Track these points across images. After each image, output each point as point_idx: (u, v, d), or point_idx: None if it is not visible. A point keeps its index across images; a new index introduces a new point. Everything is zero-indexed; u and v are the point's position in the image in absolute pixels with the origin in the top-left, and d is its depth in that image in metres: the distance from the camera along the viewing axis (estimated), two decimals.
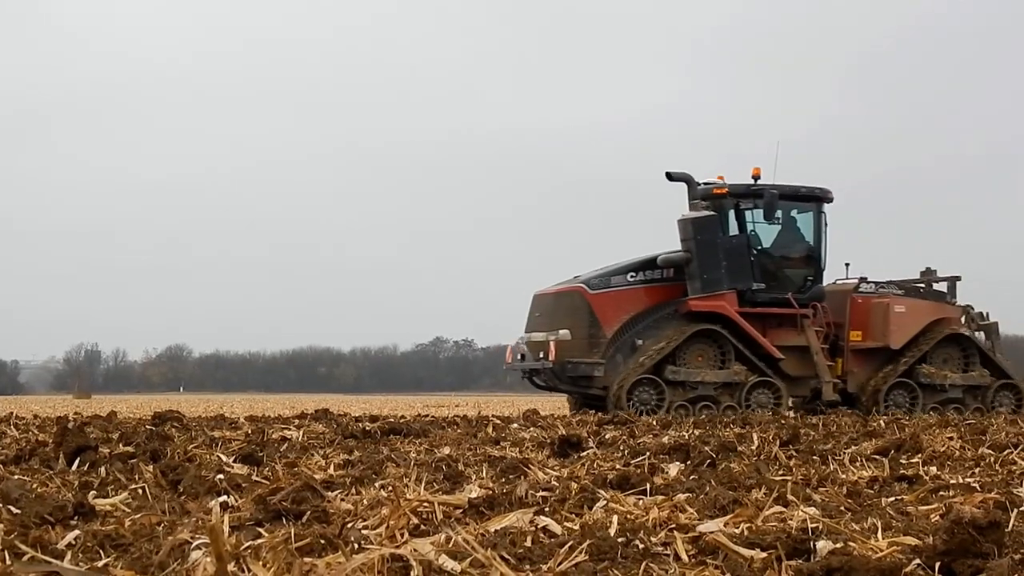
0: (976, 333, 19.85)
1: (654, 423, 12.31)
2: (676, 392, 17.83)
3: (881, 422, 12.26)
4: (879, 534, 3.72)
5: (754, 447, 7.90)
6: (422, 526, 4.05)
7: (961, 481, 5.67)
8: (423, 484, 5.29)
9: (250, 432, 10.07)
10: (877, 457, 7.14)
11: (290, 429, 10.67)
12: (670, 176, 18.74)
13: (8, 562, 3.28)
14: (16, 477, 5.76)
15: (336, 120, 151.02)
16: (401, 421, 12.04)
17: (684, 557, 3.47)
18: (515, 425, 11.88)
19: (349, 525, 3.96)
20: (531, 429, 11.07)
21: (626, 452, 7.61)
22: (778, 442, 8.25)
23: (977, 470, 6.50)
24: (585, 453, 7.50)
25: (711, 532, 3.66)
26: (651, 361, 17.78)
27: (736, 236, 18.46)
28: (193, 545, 3.39)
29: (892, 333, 18.73)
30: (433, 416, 15.67)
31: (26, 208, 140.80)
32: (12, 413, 14.88)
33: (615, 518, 4.08)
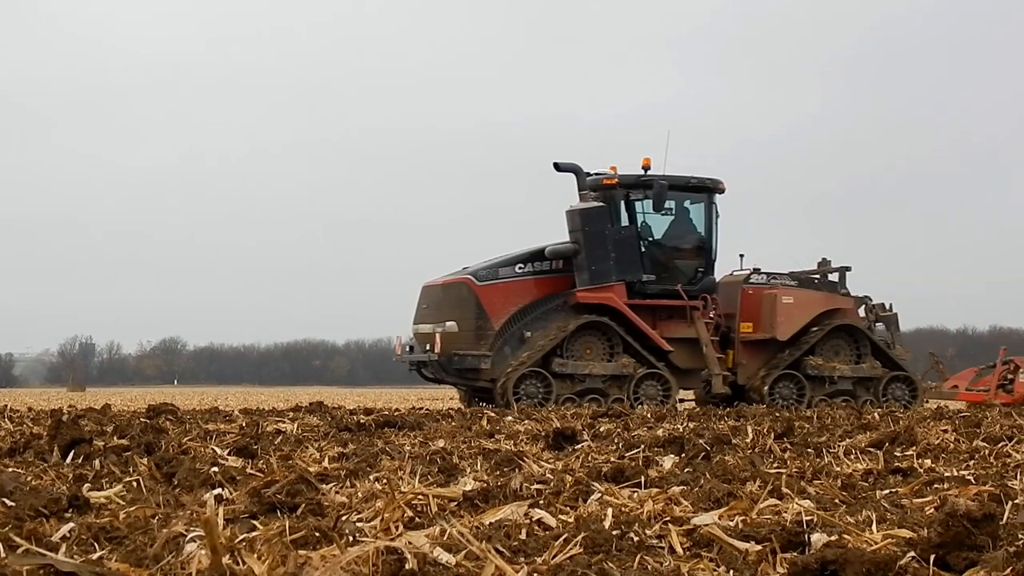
0: (877, 324, 19.59)
1: (648, 416, 12.31)
2: (564, 385, 17.63)
3: (876, 415, 12.26)
4: (874, 527, 3.73)
5: (748, 440, 7.90)
6: (417, 519, 4.05)
7: (955, 474, 5.69)
8: (418, 477, 5.30)
9: (244, 425, 10.07)
10: (871, 450, 7.15)
11: (284, 422, 10.66)
12: (558, 167, 18.44)
13: (3, 555, 3.27)
14: (11, 470, 5.75)
15: (327, 110, 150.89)
16: (395, 414, 12.04)
17: (679, 550, 3.48)
18: (510, 418, 11.88)
19: (344, 518, 3.96)
20: (526, 422, 11.08)
21: (620, 445, 7.62)
22: (772, 435, 8.25)
23: (971, 462, 6.51)
24: (580, 446, 7.50)
25: (705, 525, 3.67)
26: (538, 354, 17.57)
27: (625, 227, 18.21)
28: (188, 538, 3.38)
29: (779, 324, 18.45)
30: (427, 409, 15.67)
31: (19, 200, 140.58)
32: (6, 406, 14.84)
33: (609, 511, 4.09)
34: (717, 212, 18.76)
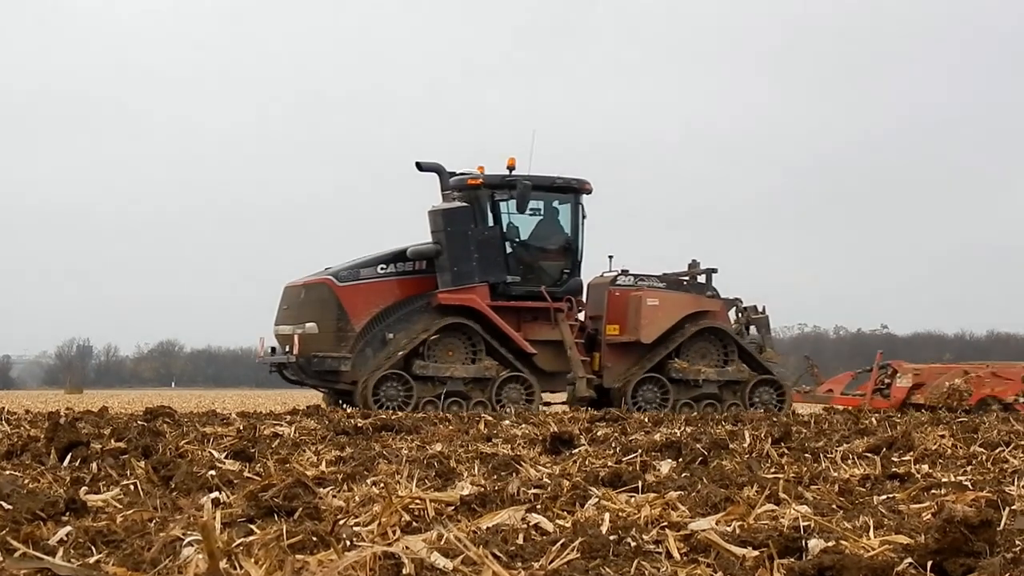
0: (750, 327, 19.44)
1: (646, 420, 12.31)
2: (425, 387, 17.42)
3: (873, 420, 12.26)
4: (871, 532, 3.73)
5: (746, 445, 7.90)
6: (414, 523, 4.05)
7: (953, 479, 5.69)
8: (415, 481, 5.29)
9: (242, 428, 10.06)
10: (869, 455, 7.15)
11: (282, 425, 10.66)
12: (419, 166, 18.26)
13: (0, 558, 3.27)
14: (7, 473, 5.75)
15: (332, 118, 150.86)
16: (393, 417, 12.04)
17: (676, 555, 3.48)
18: (507, 422, 11.88)
19: (341, 522, 3.96)
20: (523, 426, 11.07)
21: (618, 449, 7.62)
22: (770, 440, 8.25)
23: (969, 468, 6.51)
24: (577, 450, 7.50)
25: (703, 530, 3.67)
26: (398, 356, 17.38)
27: (489, 228, 18.00)
28: (185, 541, 3.39)
29: (643, 327, 18.20)
30: (425, 412, 15.68)
31: (17, 202, 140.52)
32: (3, 408, 14.81)
33: (607, 516, 4.09)
34: (584, 213, 18.57)
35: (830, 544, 3.41)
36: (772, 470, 6.19)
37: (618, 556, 3.40)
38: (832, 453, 7.28)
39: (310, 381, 18.32)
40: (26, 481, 5.42)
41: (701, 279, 19.35)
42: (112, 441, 7.82)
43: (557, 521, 4.04)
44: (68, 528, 3.78)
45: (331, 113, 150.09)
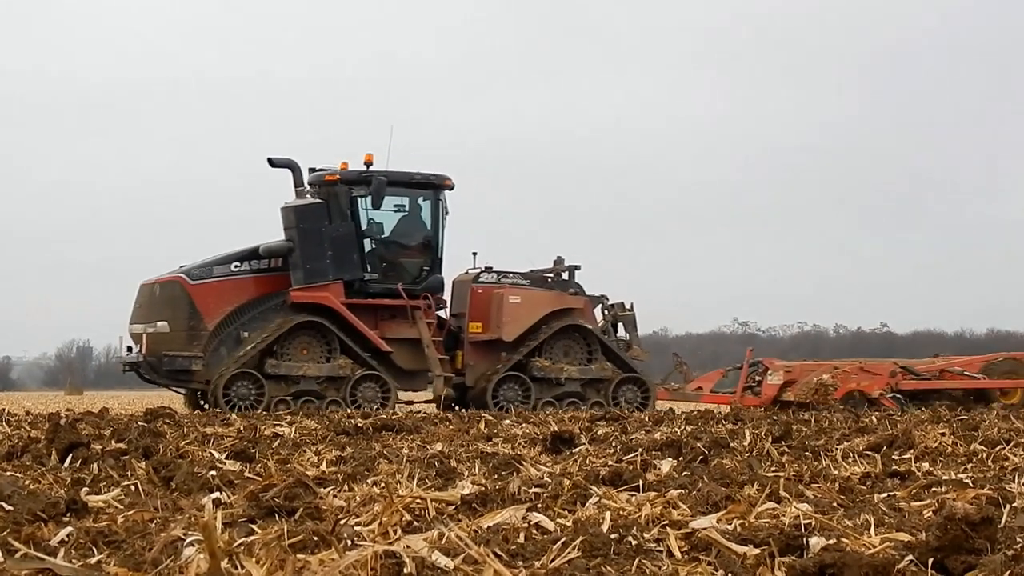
0: (618, 324, 19.21)
1: (646, 419, 12.31)
2: (278, 387, 17.17)
3: (873, 418, 12.26)
4: (872, 530, 3.73)
5: (746, 443, 7.90)
6: (415, 523, 4.05)
7: (953, 477, 5.69)
8: (416, 481, 5.30)
9: (242, 428, 10.07)
10: (869, 453, 7.15)
11: (282, 425, 10.67)
12: (272, 162, 18.00)
13: (1, 559, 3.27)
14: (8, 474, 5.75)
15: (339, 118, 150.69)
16: (393, 417, 12.04)
17: (677, 553, 3.48)
18: (508, 421, 11.89)
19: (342, 522, 3.96)
20: (524, 425, 11.08)
21: (618, 448, 7.62)
22: (770, 438, 8.25)
23: (969, 466, 6.52)
24: (577, 449, 7.50)
25: (704, 528, 3.67)
26: (250, 355, 17.11)
27: (344, 224, 17.76)
28: (186, 542, 3.39)
29: (505, 324, 18.00)
30: (425, 412, 15.67)
31: (16, 204, 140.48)
32: (4, 409, 14.83)
33: (608, 514, 4.09)
34: (446, 209, 18.35)
35: (831, 542, 3.41)
36: (773, 468, 6.19)
37: (619, 555, 3.40)
38: (832, 451, 7.29)
39: (162, 381, 17.94)
40: (27, 482, 5.42)
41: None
42: (113, 442, 7.83)
43: (558, 520, 4.04)
44: (69, 529, 3.78)
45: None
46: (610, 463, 6.40)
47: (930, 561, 3.15)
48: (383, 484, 5.10)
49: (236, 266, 17.64)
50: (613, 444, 8.12)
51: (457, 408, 17.05)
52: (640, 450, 7.12)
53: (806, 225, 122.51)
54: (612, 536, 3.56)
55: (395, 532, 3.81)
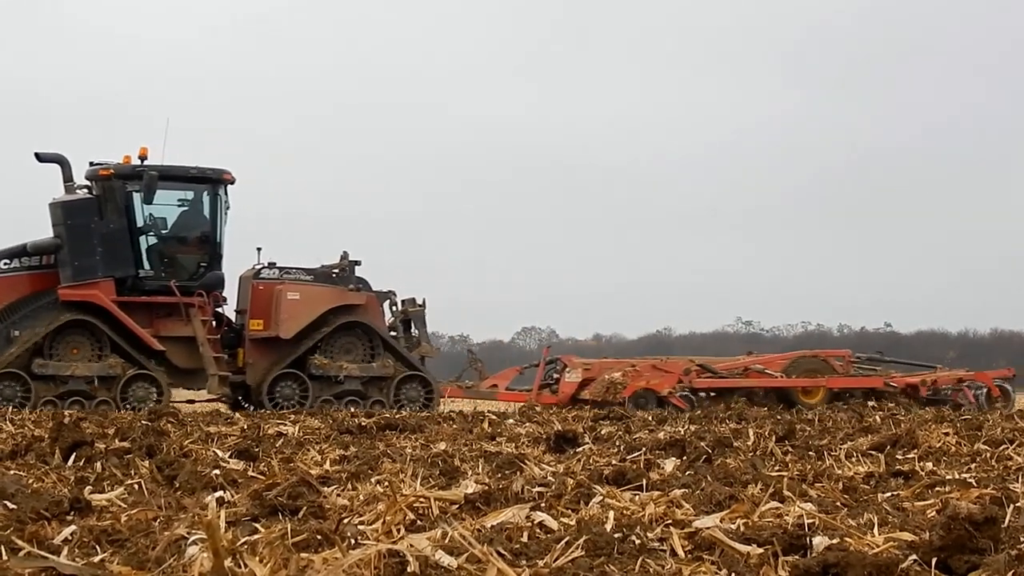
0: (409, 321, 18.79)
1: (650, 419, 12.31)
2: (45, 387, 16.52)
3: (877, 418, 12.26)
4: (875, 530, 3.73)
5: (750, 443, 7.90)
6: (418, 522, 4.05)
7: (957, 477, 5.68)
8: (419, 480, 5.30)
9: (246, 427, 10.08)
10: (873, 453, 7.14)
11: (286, 424, 10.68)
12: (39, 157, 17.26)
13: (5, 557, 3.28)
14: (12, 472, 5.76)
15: (340, 117, 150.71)
16: (397, 417, 12.05)
17: (680, 553, 3.48)
18: (511, 421, 11.89)
19: (345, 521, 3.96)
20: (527, 425, 11.08)
21: (622, 448, 7.62)
22: (774, 438, 8.26)
23: (973, 466, 6.51)
24: (581, 449, 7.50)
25: (707, 528, 3.67)
26: (17, 354, 16.51)
27: (116, 220, 17.16)
28: (190, 540, 3.39)
29: (283, 322, 17.50)
30: (428, 412, 15.68)
31: (22, 203, 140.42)
32: (8, 408, 14.85)
33: (611, 514, 4.09)
34: (227, 204, 17.85)
35: (834, 542, 3.41)
36: (776, 468, 6.19)
37: (622, 554, 3.40)
38: (836, 451, 7.28)
39: None
40: (31, 481, 5.43)
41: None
42: (116, 441, 7.84)
43: (561, 519, 4.04)
44: (73, 527, 3.78)
45: None
46: (613, 462, 6.41)
47: (934, 561, 3.15)
48: (387, 483, 5.10)
49: (5, 263, 17.12)
50: (616, 443, 8.12)
51: (247, 406, 16.66)
52: (643, 449, 7.12)
53: (807, 224, 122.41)
54: (616, 535, 3.56)
55: (398, 531, 3.81)
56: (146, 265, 17.46)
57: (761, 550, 3.36)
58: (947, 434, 8.73)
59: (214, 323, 17.69)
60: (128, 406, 16.15)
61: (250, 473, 5.77)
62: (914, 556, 3.20)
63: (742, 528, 3.76)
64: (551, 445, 7.72)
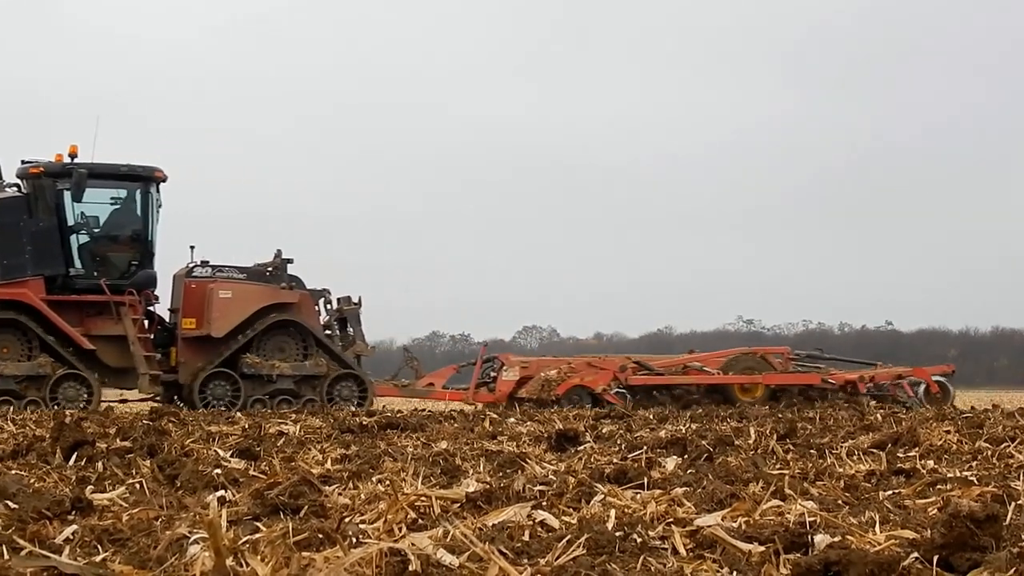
0: (346, 320, 18.75)
1: (651, 417, 12.32)
2: None
3: (878, 416, 12.25)
4: (877, 528, 3.73)
5: (751, 441, 7.90)
6: (420, 520, 4.06)
7: (958, 475, 5.68)
8: (420, 478, 5.30)
9: (247, 427, 10.08)
10: (874, 451, 7.14)
11: (287, 424, 10.68)
12: None
13: (7, 557, 3.28)
14: (14, 472, 5.76)
15: (340, 118, 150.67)
16: (398, 415, 12.06)
17: (682, 551, 3.48)
18: (512, 419, 11.89)
19: (347, 519, 3.96)
20: (528, 423, 11.09)
21: (623, 446, 7.62)
22: (775, 436, 8.26)
23: (974, 463, 6.51)
24: (582, 447, 7.50)
25: (709, 526, 3.67)
26: None
27: (46, 218, 17.03)
28: (191, 539, 3.39)
29: (214, 320, 17.41)
30: (430, 410, 15.68)
31: None
32: (9, 408, 14.87)
33: (613, 512, 4.09)
34: (159, 203, 17.79)
35: (836, 539, 3.41)
36: (777, 466, 6.19)
37: (624, 552, 3.40)
38: (837, 449, 7.28)
39: None
40: (32, 480, 5.43)
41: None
42: (118, 440, 7.84)
43: (563, 518, 4.04)
44: (74, 527, 3.79)
45: None
46: (615, 461, 6.41)
47: (935, 558, 3.15)
48: (388, 482, 5.11)
49: None
50: (618, 442, 8.12)
51: (182, 406, 16.40)
52: (645, 448, 7.12)
53: (807, 224, 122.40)
54: (617, 534, 3.56)
55: (400, 530, 3.81)
56: (77, 263, 17.36)
57: (762, 548, 3.36)
58: (948, 432, 8.73)
59: (146, 322, 17.56)
60: (57, 406, 15.88)
61: (251, 472, 5.77)
62: (915, 554, 3.19)
63: (743, 526, 3.76)
64: (552, 444, 7.72)
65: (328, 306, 18.84)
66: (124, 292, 17.23)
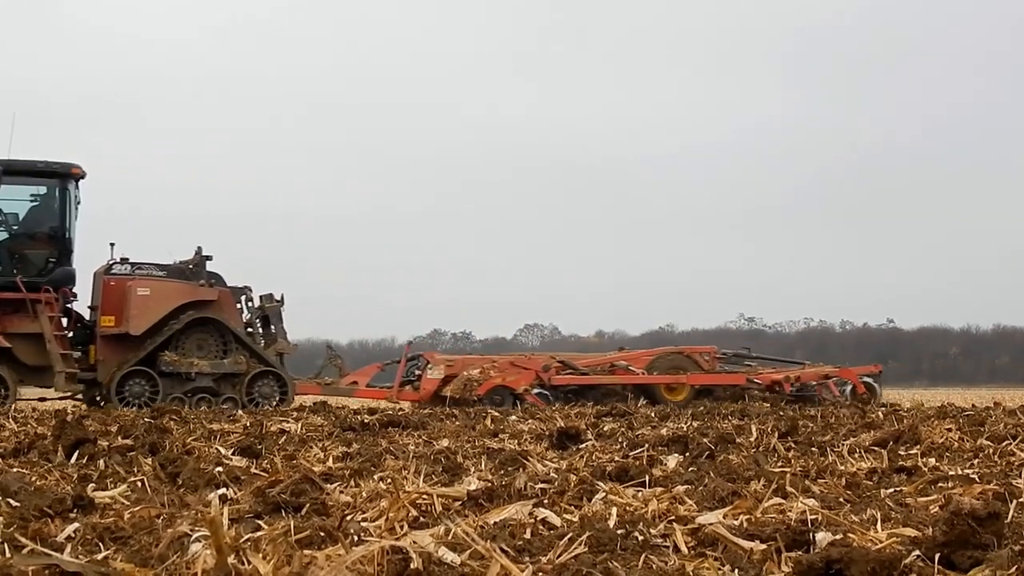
0: (268, 317, 18.71)
1: (652, 415, 12.31)
2: None
3: (880, 414, 12.24)
4: (878, 525, 3.73)
5: (752, 439, 7.90)
6: (421, 518, 4.05)
7: (960, 472, 5.68)
8: (422, 476, 5.30)
9: (249, 425, 10.09)
10: (876, 449, 7.14)
11: (288, 422, 10.69)
12: None
13: (8, 555, 3.28)
14: (15, 470, 5.76)
15: (341, 118, 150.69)
16: (399, 414, 12.05)
17: (683, 549, 3.48)
18: (513, 417, 11.89)
19: (348, 517, 3.96)
20: (529, 421, 11.08)
21: (624, 444, 7.62)
22: (776, 434, 8.26)
23: (976, 461, 6.50)
24: (584, 445, 7.50)
25: (710, 524, 3.67)
26: None
27: None
28: (192, 537, 3.39)
29: (132, 318, 17.39)
30: (431, 408, 15.68)
31: None
32: (11, 406, 14.87)
33: (614, 510, 4.09)
34: (78, 199, 17.73)
35: (837, 537, 3.41)
36: (779, 464, 6.19)
37: (626, 550, 3.40)
38: (839, 447, 7.28)
39: None
40: (34, 478, 5.43)
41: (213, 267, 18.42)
42: (119, 438, 7.85)
43: (564, 516, 4.04)
44: (76, 525, 3.78)
45: None
46: (616, 459, 6.40)
47: (937, 556, 3.15)
48: (389, 480, 5.11)
49: None
50: (619, 440, 8.12)
51: (102, 404, 16.53)
52: (646, 446, 7.12)
53: (807, 224, 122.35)
54: (619, 532, 3.55)
55: (401, 528, 3.81)
56: None
57: (764, 546, 3.36)
58: (950, 430, 8.73)
59: (63, 319, 17.48)
60: None
61: (253, 470, 5.77)
62: (917, 552, 3.19)
63: (745, 524, 3.76)
64: (554, 442, 7.72)
65: (250, 304, 18.77)
66: (41, 289, 17.10)
